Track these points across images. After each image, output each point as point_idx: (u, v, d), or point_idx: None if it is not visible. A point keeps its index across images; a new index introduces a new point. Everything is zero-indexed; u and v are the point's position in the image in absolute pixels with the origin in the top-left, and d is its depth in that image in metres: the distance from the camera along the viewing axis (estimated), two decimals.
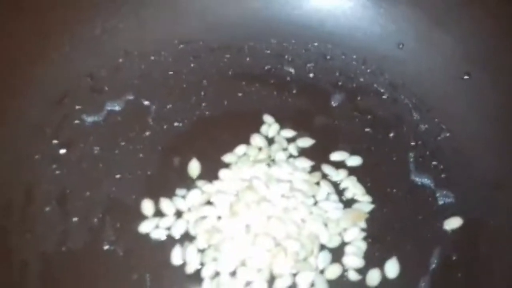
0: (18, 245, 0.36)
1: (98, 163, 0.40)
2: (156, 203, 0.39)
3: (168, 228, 0.38)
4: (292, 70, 0.47)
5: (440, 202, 0.40)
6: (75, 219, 0.37)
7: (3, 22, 0.37)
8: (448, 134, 0.44)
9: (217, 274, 0.36)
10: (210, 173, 0.40)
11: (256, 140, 0.42)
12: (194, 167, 0.41)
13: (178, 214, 0.39)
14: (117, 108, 0.43)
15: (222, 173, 0.40)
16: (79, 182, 0.39)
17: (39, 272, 0.35)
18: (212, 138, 0.42)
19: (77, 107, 0.42)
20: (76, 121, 0.41)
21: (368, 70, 0.46)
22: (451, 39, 0.44)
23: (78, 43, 0.42)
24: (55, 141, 0.40)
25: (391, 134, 0.44)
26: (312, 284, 0.36)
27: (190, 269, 0.36)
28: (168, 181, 0.40)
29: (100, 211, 0.38)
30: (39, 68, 0.40)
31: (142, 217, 0.38)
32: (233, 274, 0.36)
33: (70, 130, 0.41)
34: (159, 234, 0.38)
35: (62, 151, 0.40)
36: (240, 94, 0.45)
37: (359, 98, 0.46)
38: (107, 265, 0.36)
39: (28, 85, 0.40)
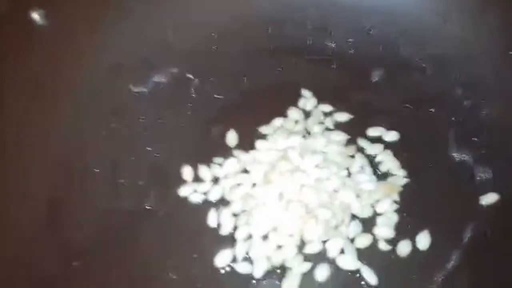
0: (75, 202, 0.39)
1: (143, 131, 0.43)
2: (195, 169, 0.41)
3: (205, 193, 0.40)
4: (333, 45, 0.47)
5: (478, 178, 0.40)
6: (121, 181, 0.41)
7: None
8: (490, 110, 0.42)
9: (249, 237, 0.38)
10: (247, 144, 0.42)
11: (293, 113, 0.44)
12: (231, 137, 0.43)
13: (215, 180, 0.41)
14: (162, 80, 0.46)
15: (259, 143, 0.42)
16: (126, 148, 0.42)
17: (90, 230, 0.38)
18: (251, 110, 0.44)
19: (126, 77, 0.45)
20: (125, 91, 0.44)
21: (411, 45, 0.46)
22: (498, 13, 0.43)
23: (132, 13, 0.45)
24: (107, 109, 0.43)
25: (432, 110, 0.43)
26: (342, 251, 0.37)
27: (224, 231, 0.38)
28: (207, 150, 0.42)
29: (145, 175, 0.41)
30: (96, 37, 0.43)
31: (182, 182, 0.41)
32: (265, 238, 0.38)
33: (119, 99, 0.44)
34: (196, 198, 0.40)
35: (112, 119, 0.43)
36: (279, 69, 0.46)
37: (400, 73, 0.45)
38: (149, 226, 0.39)
39: (84, 53, 0.43)
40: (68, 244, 0.37)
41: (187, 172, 0.41)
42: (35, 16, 0.38)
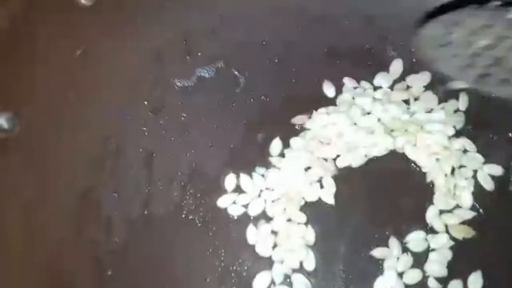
0: (106, 203, 0.37)
1: (184, 130, 0.40)
2: (237, 178, 0.39)
3: (245, 206, 0.38)
4: (393, 53, 0.43)
5: None
6: (158, 183, 0.38)
7: None
8: None
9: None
10: None
11: None
12: (276, 147, 0.40)
13: (257, 192, 0.38)
14: (207, 75, 0.43)
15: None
16: (165, 146, 0.40)
17: (122, 231, 0.36)
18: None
19: (170, 70, 0.42)
20: (167, 84, 0.41)
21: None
22: None
23: (177, 2, 0.41)
24: (145, 102, 0.40)
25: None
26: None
27: (262, 250, 0.36)
28: (250, 157, 0.39)
29: (183, 178, 0.39)
30: (139, 26, 0.40)
31: (222, 190, 0.38)
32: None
33: (161, 93, 0.41)
34: (235, 211, 0.38)
35: (152, 113, 0.40)
36: (333, 74, 0.43)
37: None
38: (184, 234, 0.37)
39: (127, 42, 0.39)
40: (98, 250, 0.35)
41: (228, 180, 0.38)
42: None
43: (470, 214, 0.36)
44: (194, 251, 0.36)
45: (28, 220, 0.33)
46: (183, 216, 0.37)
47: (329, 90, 0.41)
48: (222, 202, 0.38)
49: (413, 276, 0.35)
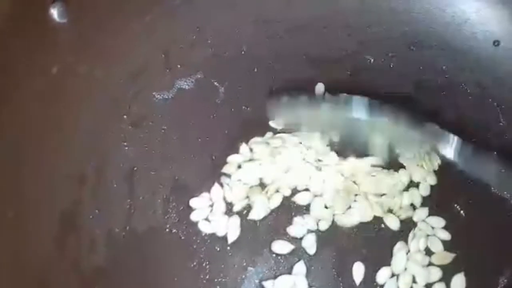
0: (87, 221, 0.37)
1: (165, 142, 0.40)
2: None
3: (213, 225, 0.37)
4: (371, 59, 0.44)
5: None
6: (140, 198, 0.38)
7: None
8: None
9: None
10: None
11: None
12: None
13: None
14: (186, 86, 0.43)
15: None
16: (146, 160, 0.39)
17: (105, 249, 0.36)
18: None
19: (149, 83, 0.41)
20: (147, 98, 0.41)
21: (456, 67, 0.42)
22: None
23: (156, 16, 0.41)
24: (125, 117, 0.40)
25: (473, 140, 0.41)
26: None
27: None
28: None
29: (165, 191, 0.39)
30: (118, 38, 0.40)
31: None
32: None
33: (141, 107, 0.41)
34: (206, 228, 0.37)
35: (132, 127, 0.40)
36: (312, 81, 0.43)
37: (442, 95, 0.42)
38: (168, 248, 0.37)
39: (105, 56, 0.39)
40: (82, 267, 0.35)
41: (201, 198, 0.38)
42: (54, 12, 0.35)
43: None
44: (178, 264, 0.36)
45: (10, 241, 0.33)
46: (167, 230, 0.37)
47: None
48: (194, 216, 0.38)
49: None
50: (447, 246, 0.37)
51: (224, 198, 0.38)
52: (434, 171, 0.39)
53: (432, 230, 0.37)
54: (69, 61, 0.36)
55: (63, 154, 0.37)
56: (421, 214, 0.38)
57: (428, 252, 0.37)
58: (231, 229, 0.37)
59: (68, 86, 0.37)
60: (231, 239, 0.37)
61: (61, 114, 0.37)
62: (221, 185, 0.39)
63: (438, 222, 0.37)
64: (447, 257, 0.36)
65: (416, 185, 0.38)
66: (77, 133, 0.38)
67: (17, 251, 0.34)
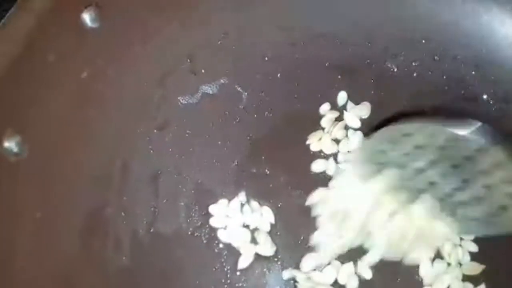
0: (113, 223, 0.38)
1: (189, 147, 0.41)
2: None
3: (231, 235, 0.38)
4: (394, 68, 0.44)
5: None
6: (164, 201, 0.39)
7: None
8: None
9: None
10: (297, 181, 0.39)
11: None
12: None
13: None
14: (210, 91, 0.43)
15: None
16: (170, 164, 0.40)
17: (129, 250, 0.37)
18: (301, 136, 0.41)
19: (175, 88, 0.42)
20: (172, 102, 0.42)
21: (480, 78, 0.42)
22: None
23: (183, 22, 0.41)
24: (152, 121, 0.41)
25: None
26: None
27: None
28: (254, 177, 0.40)
29: (188, 195, 0.39)
30: (145, 45, 0.40)
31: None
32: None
33: (166, 111, 0.41)
34: (224, 237, 0.38)
35: (157, 131, 0.41)
36: (334, 88, 0.44)
37: (465, 106, 0.42)
38: (190, 251, 0.37)
39: (133, 62, 0.40)
40: (107, 269, 0.36)
41: (219, 205, 0.39)
42: (86, 17, 0.35)
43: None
44: (200, 268, 0.37)
45: (37, 242, 0.34)
46: (189, 233, 0.38)
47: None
48: (214, 222, 0.38)
49: None
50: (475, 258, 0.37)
51: (241, 211, 0.39)
52: None
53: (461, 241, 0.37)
54: (99, 66, 0.37)
55: (90, 156, 0.38)
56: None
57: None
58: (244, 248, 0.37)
59: (97, 90, 0.38)
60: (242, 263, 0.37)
61: (89, 117, 0.38)
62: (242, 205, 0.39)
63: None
64: (477, 269, 0.36)
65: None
66: (104, 136, 0.39)
67: (44, 250, 0.35)
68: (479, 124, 0.32)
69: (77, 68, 0.36)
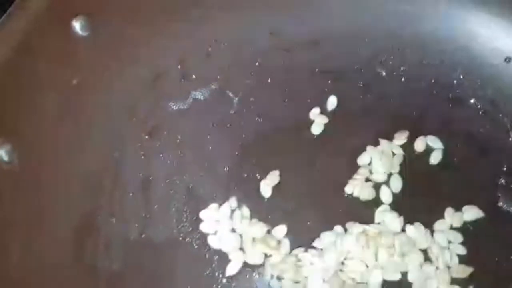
0: (104, 228, 0.38)
1: (180, 152, 0.41)
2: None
3: (221, 240, 0.38)
4: (383, 72, 0.45)
5: None
6: (155, 206, 0.39)
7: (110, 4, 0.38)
8: None
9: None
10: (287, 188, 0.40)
11: None
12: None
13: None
14: (201, 97, 0.43)
15: None
16: (161, 169, 0.40)
17: (121, 256, 0.37)
18: (291, 141, 0.42)
19: (165, 93, 0.42)
20: (163, 108, 0.42)
21: (467, 82, 0.43)
22: None
23: (174, 28, 0.42)
24: (143, 126, 0.41)
25: (481, 155, 0.41)
26: None
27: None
28: (244, 182, 0.40)
29: (179, 201, 0.39)
30: (135, 52, 0.40)
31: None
32: None
33: (157, 117, 0.42)
34: (214, 243, 0.38)
35: (148, 137, 0.41)
36: (324, 93, 0.44)
37: (452, 110, 0.43)
38: (182, 257, 0.37)
39: (123, 68, 0.40)
40: (97, 275, 0.36)
41: (209, 211, 0.39)
42: (76, 25, 0.36)
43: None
44: (191, 273, 0.37)
45: (27, 247, 0.34)
46: (180, 238, 0.38)
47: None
48: (204, 228, 0.38)
49: None
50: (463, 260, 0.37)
51: (231, 217, 0.39)
52: None
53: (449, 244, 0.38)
54: (90, 73, 0.37)
55: (81, 162, 0.38)
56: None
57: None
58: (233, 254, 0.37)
59: (87, 97, 0.38)
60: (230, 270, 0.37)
61: (79, 123, 0.38)
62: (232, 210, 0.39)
63: (456, 237, 0.38)
64: (465, 271, 0.37)
65: None
66: (94, 142, 0.39)
67: (36, 256, 0.35)
68: None
69: (67, 75, 0.36)
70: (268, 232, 0.38)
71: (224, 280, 0.37)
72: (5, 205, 0.33)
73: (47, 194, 0.36)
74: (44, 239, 0.35)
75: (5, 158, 0.32)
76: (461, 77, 0.43)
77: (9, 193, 0.33)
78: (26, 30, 0.33)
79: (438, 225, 0.38)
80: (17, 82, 0.33)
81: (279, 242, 0.38)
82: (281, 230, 0.38)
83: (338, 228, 0.38)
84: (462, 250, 0.38)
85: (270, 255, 0.37)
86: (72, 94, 0.37)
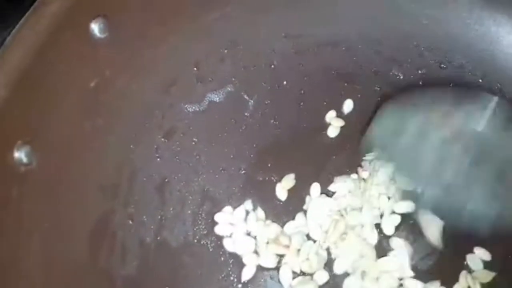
0: (120, 231, 0.38)
1: (195, 154, 0.41)
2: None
3: (235, 242, 0.38)
4: (400, 75, 0.44)
5: None
6: (171, 209, 0.39)
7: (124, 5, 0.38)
8: None
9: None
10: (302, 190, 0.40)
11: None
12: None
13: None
14: (217, 99, 0.43)
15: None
16: (177, 171, 0.40)
17: (136, 258, 0.37)
18: (307, 143, 0.41)
19: (181, 96, 0.42)
20: (179, 110, 0.42)
21: (486, 86, 0.42)
22: None
23: (191, 30, 0.41)
24: (159, 129, 0.41)
25: None
26: None
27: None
28: (260, 185, 0.40)
29: (195, 203, 0.39)
30: (156, 53, 0.40)
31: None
32: None
33: (173, 119, 0.42)
34: (229, 246, 0.38)
35: (164, 139, 0.41)
36: (340, 96, 0.44)
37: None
38: (197, 259, 0.38)
39: (139, 71, 0.40)
40: (114, 277, 0.36)
41: (224, 214, 0.39)
42: (95, 28, 0.36)
43: None
44: (207, 276, 0.37)
45: (45, 250, 0.34)
46: (195, 241, 0.38)
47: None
48: (220, 231, 0.38)
49: None
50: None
51: (246, 220, 0.39)
52: None
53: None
54: (107, 75, 0.37)
55: (98, 165, 0.38)
56: None
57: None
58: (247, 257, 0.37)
59: (105, 99, 0.38)
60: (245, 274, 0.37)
61: (96, 126, 0.38)
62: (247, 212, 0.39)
63: None
64: (488, 276, 0.36)
65: None
66: (111, 145, 0.39)
67: (51, 259, 0.35)
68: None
69: (85, 78, 0.36)
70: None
71: (240, 284, 0.37)
72: (23, 207, 0.33)
73: (64, 196, 0.36)
74: (59, 243, 0.35)
75: (24, 160, 0.32)
76: (480, 81, 0.43)
77: (26, 196, 0.33)
78: (44, 33, 0.33)
79: None
80: (35, 84, 0.33)
81: (290, 239, 0.37)
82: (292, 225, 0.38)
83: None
84: (487, 256, 0.37)
85: (283, 255, 0.37)
86: (90, 97, 0.37)
